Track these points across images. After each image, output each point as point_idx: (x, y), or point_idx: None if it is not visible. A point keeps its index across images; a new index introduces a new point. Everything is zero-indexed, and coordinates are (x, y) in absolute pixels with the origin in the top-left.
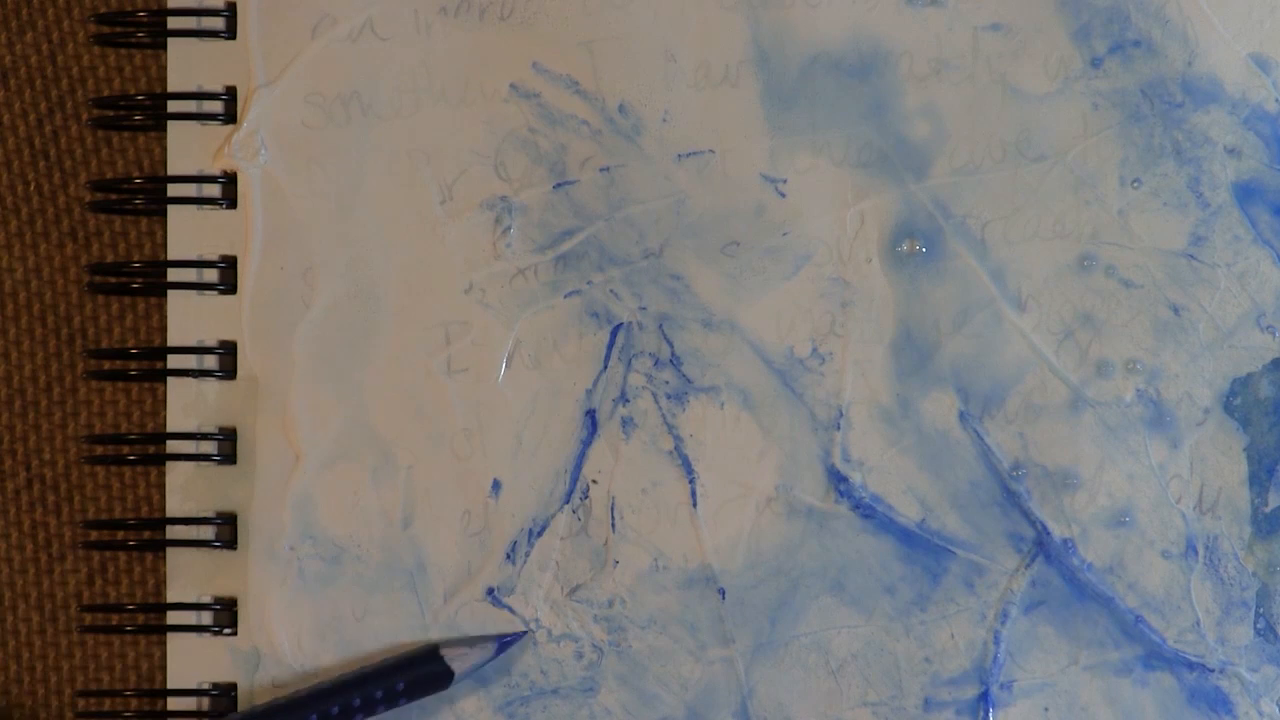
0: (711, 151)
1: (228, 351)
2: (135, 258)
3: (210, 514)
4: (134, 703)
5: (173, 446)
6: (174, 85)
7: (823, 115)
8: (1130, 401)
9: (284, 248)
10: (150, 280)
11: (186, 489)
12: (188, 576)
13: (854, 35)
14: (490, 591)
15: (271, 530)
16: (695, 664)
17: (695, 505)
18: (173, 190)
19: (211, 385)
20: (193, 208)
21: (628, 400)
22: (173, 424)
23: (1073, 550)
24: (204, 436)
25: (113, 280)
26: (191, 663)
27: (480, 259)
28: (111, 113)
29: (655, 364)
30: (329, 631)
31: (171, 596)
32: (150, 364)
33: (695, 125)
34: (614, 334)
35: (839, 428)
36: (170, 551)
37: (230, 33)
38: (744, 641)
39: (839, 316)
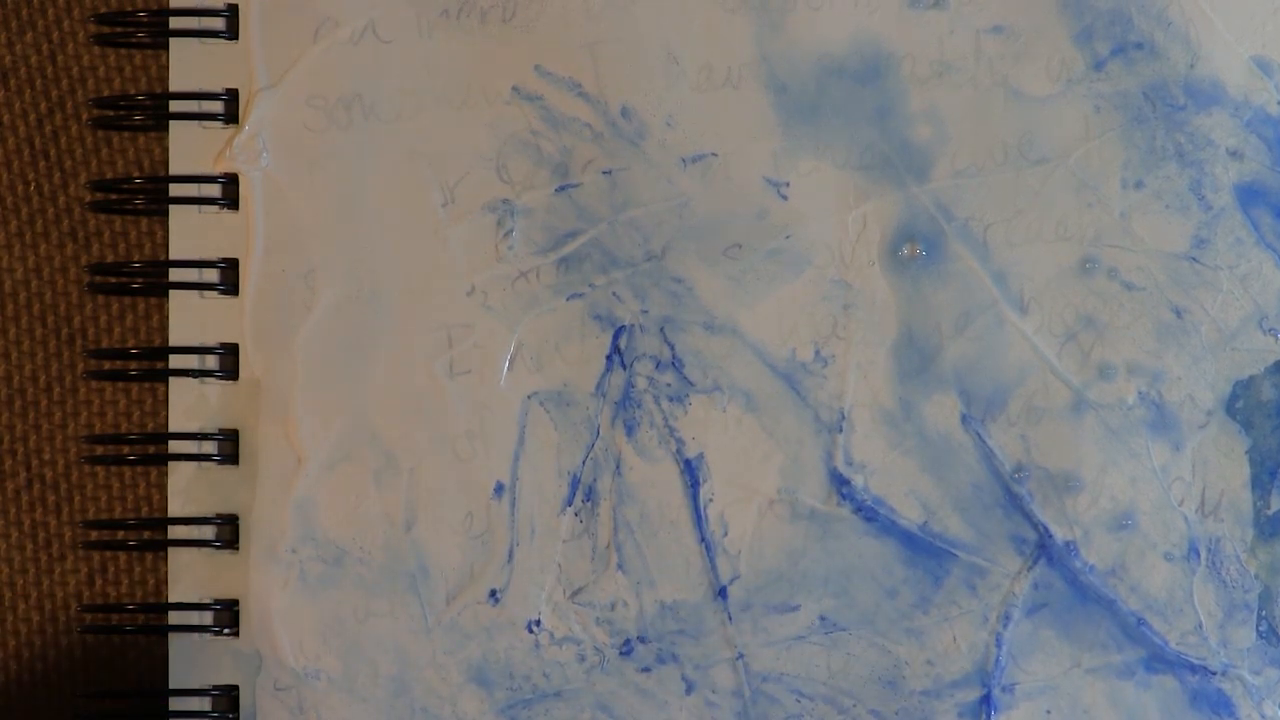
0: (714, 154)
1: (229, 353)
2: (136, 258)
3: (211, 515)
4: (135, 703)
5: (175, 447)
6: (175, 85)
7: (825, 118)
8: (1132, 404)
9: (285, 250)
10: (151, 280)
11: (188, 490)
12: (189, 577)
13: (856, 38)
14: (492, 593)
15: (273, 532)
16: (697, 667)
17: (697, 508)
18: (174, 190)
19: (214, 386)
20: (194, 208)
21: (630, 403)
22: (175, 425)
23: (1075, 553)
24: (206, 437)
25: (113, 280)
26: (193, 664)
27: (482, 261)
28: (112, 113)
29: (657, 366)
30: (331, 634)
31: (173, 597)
32: (151, 364)
33: (698, 128)
34: (616, 336)
35: (841, 430)
36: (172, 552)
37: (231, 33)
38: (746, 644)
39: (841, 319)
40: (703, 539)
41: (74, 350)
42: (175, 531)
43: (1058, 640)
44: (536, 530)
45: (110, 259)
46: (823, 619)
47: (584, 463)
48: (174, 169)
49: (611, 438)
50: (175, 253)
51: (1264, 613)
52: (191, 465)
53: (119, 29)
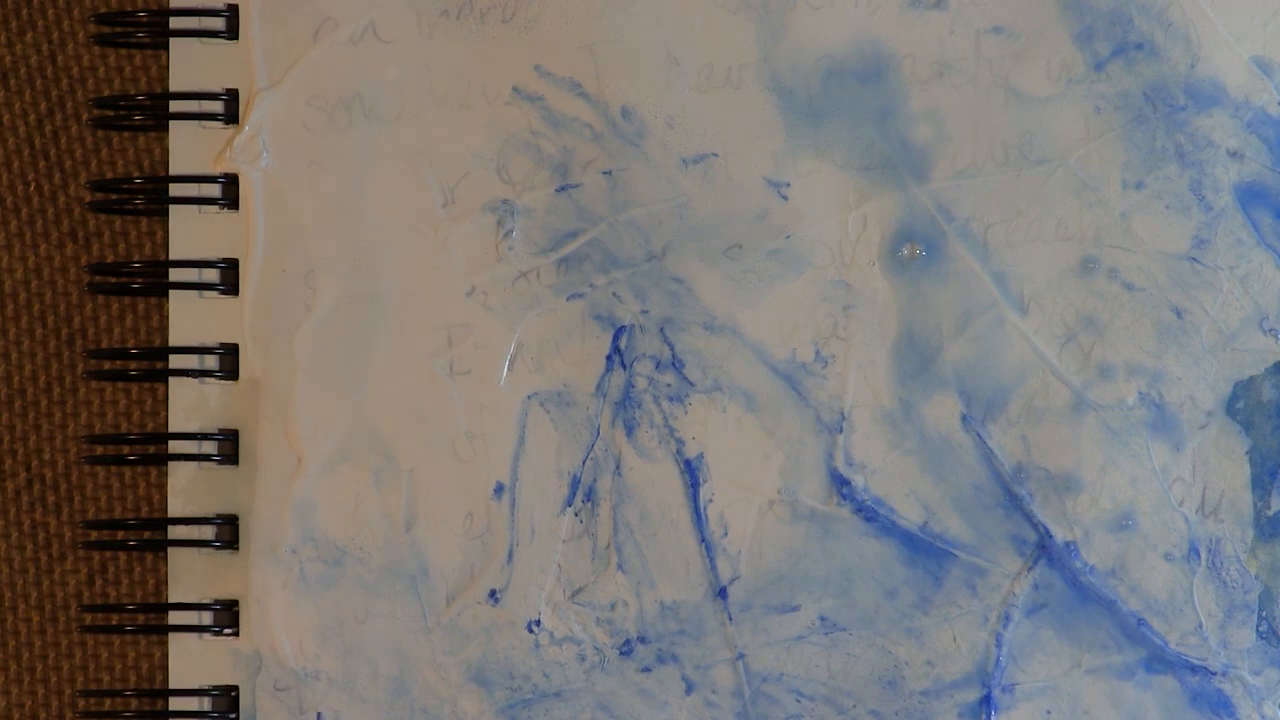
0: (715, 155)
1: (229, 353)
2: (136, 258)
3: (211, 515)
4: (135, 703)
5: (175, 447)
6: (175, 85)
7: (826, 118)
8: (1133, 404)
9: (285, 250)
10: (151, 281)
11: (188, 490)
12: (189, 577)
13: (857, 39)
14: (492, 594)
15: (273, 532)
16: (698, 667)
17: (697, 508)
18: (174, 190)
19: (213, 386)
20: (194, 208)
21: (630, 403)
22: (175, 425)
23: (1075, 553)
24: (206, 437)
25: (113, 280)
26: (193, 664)
27: (482, 262)
28: (112, 113)
29: (657, 366)
30: (331, 634)
31: (173, 597)
32: (151, 364)
33: (698, 128)
34: (616, 336)
35: (841, 431)
36: (172, 552)
37: (232, 33)
38: (746, 644)
39: (841, 320)
40: (703, 539)
41: (74, 350)
42: (175, 531)
43: (1058, 641)
44: (536, 530)
45: (110, 259)
46: (823, 619)
47: (584, 463)
48: (174, 169)
49: (611, 438)
50: (175, 253)
51: (1264, 613)
52: (191, 465)
53: (119, 29)
